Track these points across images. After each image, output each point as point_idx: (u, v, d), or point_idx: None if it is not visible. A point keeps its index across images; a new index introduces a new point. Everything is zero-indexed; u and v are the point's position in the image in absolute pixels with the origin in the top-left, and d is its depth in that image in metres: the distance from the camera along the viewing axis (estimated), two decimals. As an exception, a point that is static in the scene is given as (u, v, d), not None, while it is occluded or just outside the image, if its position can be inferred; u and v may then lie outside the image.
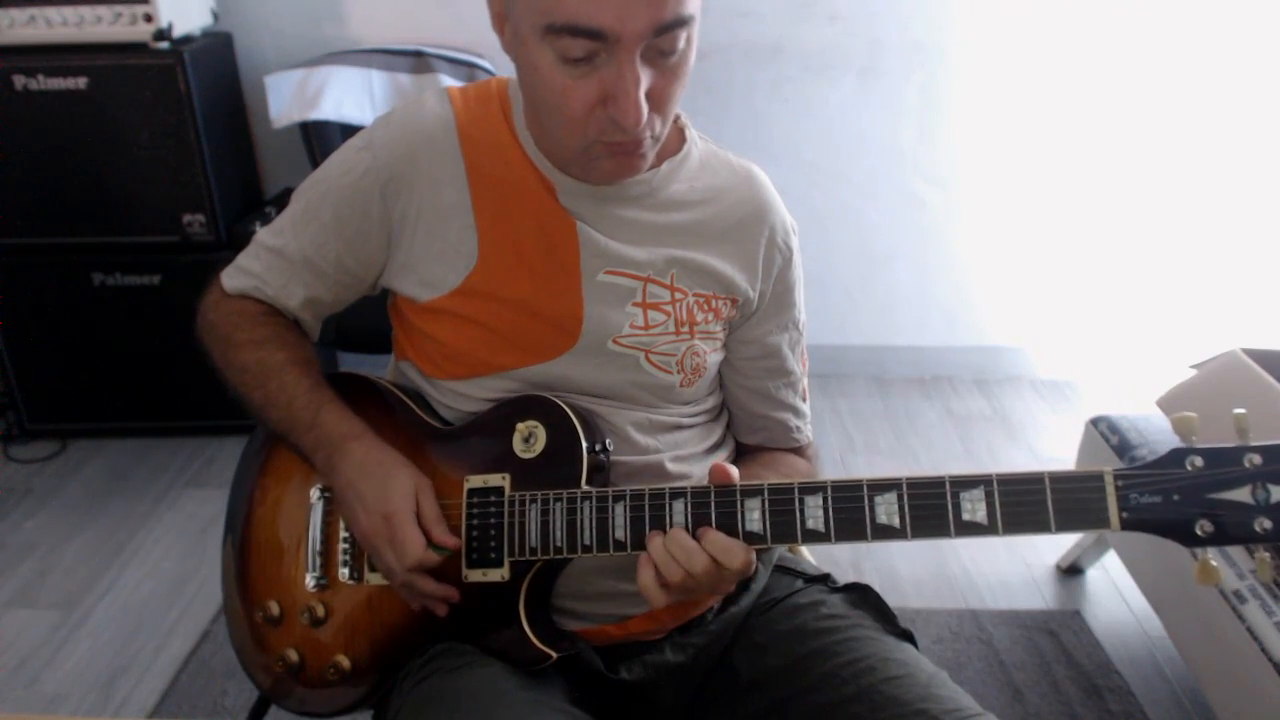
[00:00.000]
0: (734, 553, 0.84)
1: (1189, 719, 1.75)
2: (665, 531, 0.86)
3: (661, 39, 0.80)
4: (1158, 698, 1.79)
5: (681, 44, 0.82)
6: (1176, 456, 0.75)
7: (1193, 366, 1.71)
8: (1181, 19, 2.55)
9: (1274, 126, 2.64)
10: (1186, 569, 1.59)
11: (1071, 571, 2.13)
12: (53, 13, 2.23)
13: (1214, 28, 2.55)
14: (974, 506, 0.78)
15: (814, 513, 0.83)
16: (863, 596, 1.04)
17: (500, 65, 2.47)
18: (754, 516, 0.84)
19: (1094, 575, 2.13)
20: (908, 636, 1.00)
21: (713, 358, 1.02)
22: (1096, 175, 2.74)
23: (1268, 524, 0.72)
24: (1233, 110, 2.63)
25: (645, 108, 0.81)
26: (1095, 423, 1.92)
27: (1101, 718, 1.74)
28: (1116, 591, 2.07)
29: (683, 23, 0.80)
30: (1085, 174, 2.74)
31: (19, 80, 2.24)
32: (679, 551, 0.84)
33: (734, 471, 0.87)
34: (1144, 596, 1.80)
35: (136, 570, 2.12)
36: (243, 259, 1.06)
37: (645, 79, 0.81)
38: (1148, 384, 1.93)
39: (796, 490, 0.83)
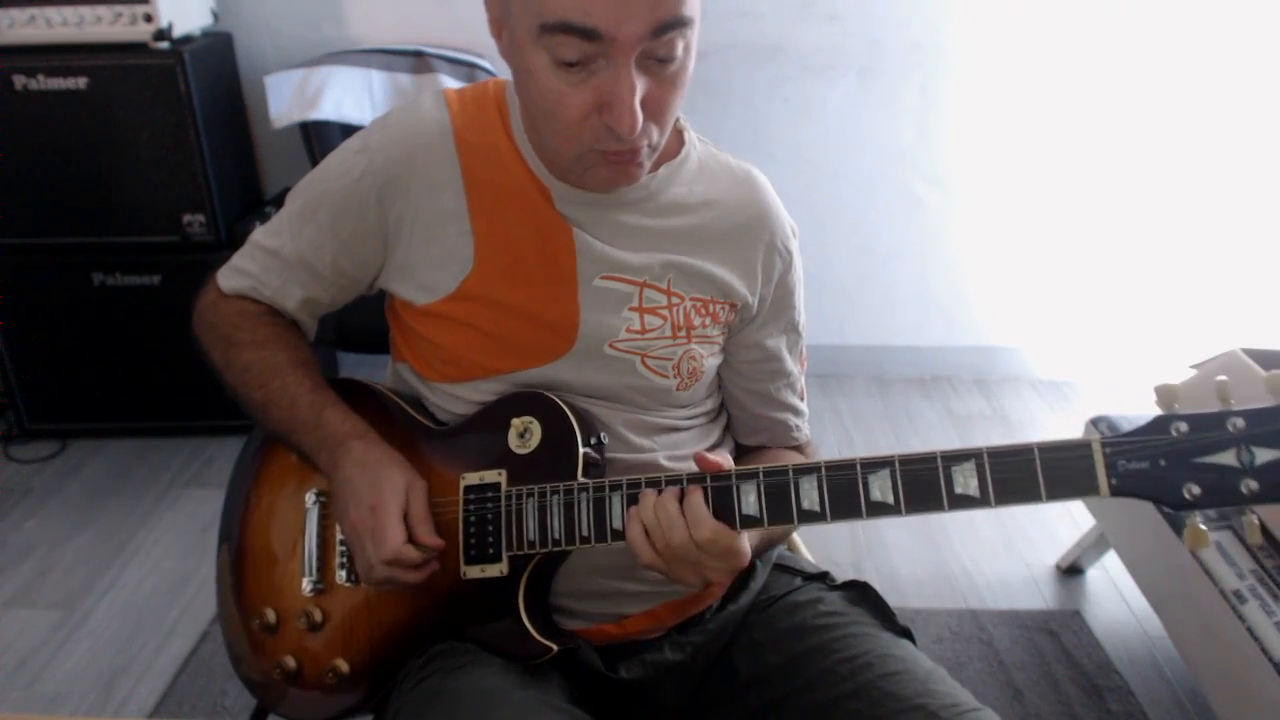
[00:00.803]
0: (702, 523, 0.84)
1: (1189, 719, 1.75)
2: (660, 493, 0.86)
3: (658, 44, 0.78)
4: (1158, 698, 1.79)
5: (679, 51, 0.80)
6: (1161, 423, 0.76)
7: (1193, 366, 1.71)
8: (1181, 19, 2.55)
9: (1274, 127, 2.64)
10: (1187, 568, 1.59)
11: (1071, 571, 2.13)
12: (53, 13, 2.23)
13: (1214, 28, 2.55)
14: (965, 479, 0.79)
15: (809, 493, 0.83)
16: (861, 594, 1.04)
17: (500, 66, 2.47)
18: (750, 499, 0.84)
19: (1094, 575, 2.12)
20: (905, 633, 1.00)
21: (710, 362, 1.02)
22: (1096, 175, 2.74)
23: (1254, 485, 0.73)
24: (1232, 110, 2.63)
25: (640, 115, 0.80)
26: (1095, 423, 1.92)
27: (1101, 718, 1.74)
28: (1116, 591, 2.07)
29: (681, 24, 0.78)
30: (1084, 174, 2.74)
31: (19, 80, 2.25)
32: (663, 516, 0.84)
33: (722, 460, 0.86)
34: (1144, 596, 1.80)
35: (136, 570, 2.12)
36: (238, 259, 1.06)
37: (641, 87, 0.80)
38: (1148, 384, 1.92)
39: (791, 472, 0.84)
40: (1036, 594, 2.07)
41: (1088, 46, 2.59)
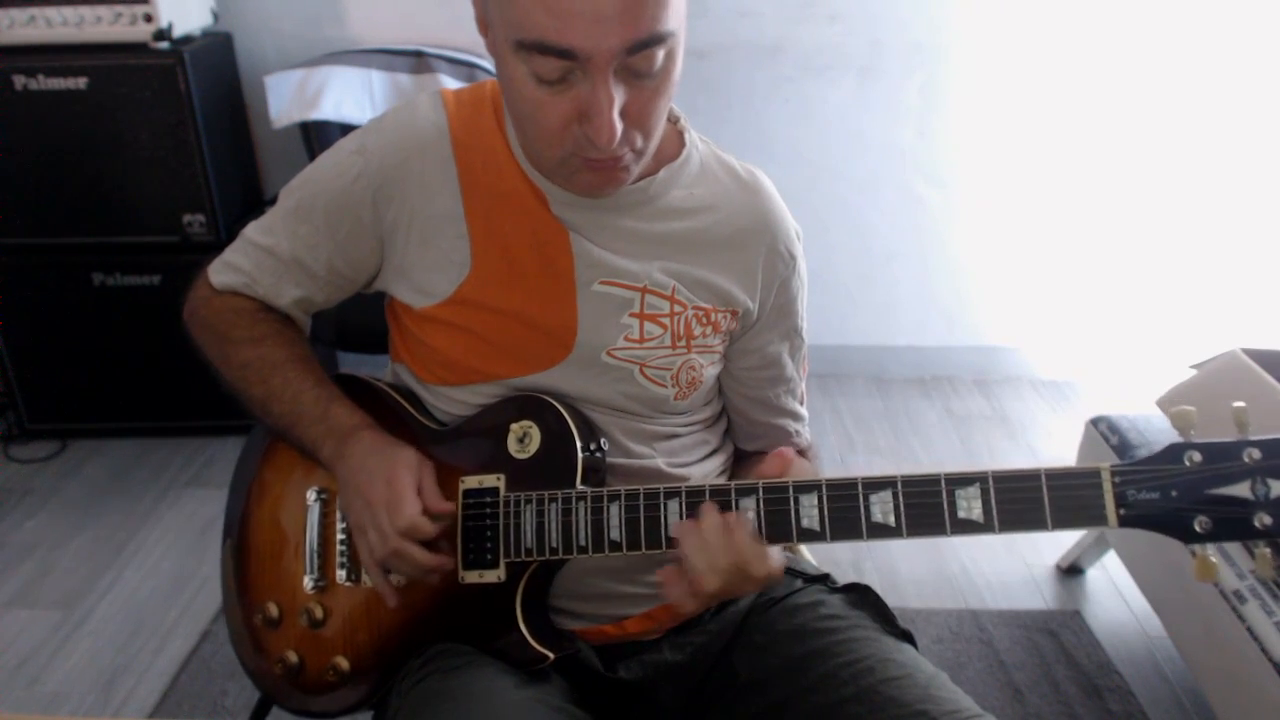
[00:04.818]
0: (762, 557, 0.83)
1: (1189, 719, 1.75)
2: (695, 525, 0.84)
3: (637, 58, 0.77)
4: (1158, 698, 1.79)
5: (659, 62, 0.79)
6: (1174, 452, 0.73)
7: (1193, 366, 1.71)
8: (1181, 19, 2.55)
9: (1274, 127, 2.64)
10: (1186, 568, 1.59)
11: (1071, 571, 2.13)
12: (53, 13, 2.23)
13: (1214, 27, 2.55)
14: (970, 504, 0.78)
15: (809, 512, 0.82)
16: (862, 597, 1.04)
17: (500, 65, 2.46)
18: (749, 516, 0.84)
19: (1094, 575, 2.12)
20: (907, 637, 1.00)
21: (709, 371, 1.01)
22: (1096, 175, 2.74)
23: (1268, 519, 0.71)
24: (1232, 110, 2.63)
25: (620, 126, 0.80)
26: (1095, 423, 1.92)
27: (1101, 718, 1.73)
28: (1116, 591, 2.07)
29: (659, 40, 0.77)
30: (1085, 174, 2.74)
31: (19, 80, 2.24)
32: (713, 538, 0.82)
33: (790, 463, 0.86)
34: (1144, 596, 1.80)
35: (136, 570, 2.12)
36: (231, 255, 1.04)
37: (621, 97, 0.79)
38: (1148, 384, 1.93)
39: (791, 489, 0.83)
40: (1036, 594, 2.06)
41: (1089, 47, 2.59)
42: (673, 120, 1.00)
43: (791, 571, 1.09)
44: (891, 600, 1.04)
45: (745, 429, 1.10)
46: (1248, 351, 1.59)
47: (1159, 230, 2.78)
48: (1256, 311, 2.80)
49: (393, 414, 1.02)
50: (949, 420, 2.77)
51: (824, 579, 1.08)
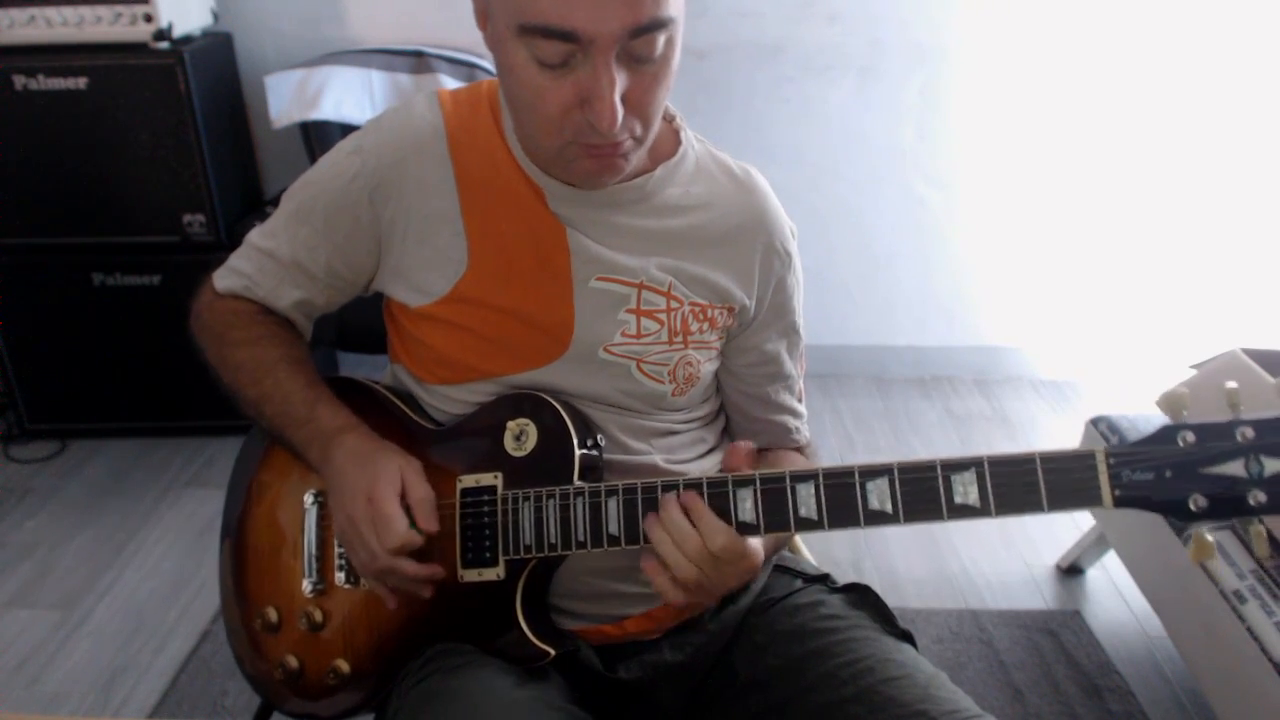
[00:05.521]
0: (716, 532, 0.83)
1: (1189, 719, 1.75)
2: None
3: (638, 42, 0.78)
4: (1158, 698, 1.79)
5: (660, 48, 0.80)
6: (1168, 433, 0.74)
7: (1193, 366, 1.71)
8: (1181, 20, 2.55)
9: (1274, 127, 2.64)
10: (1186, 567, 1.59)
11: (1071, 571, 2.13)
12: (53, 13, 2.23)
13: (1214, 28, 2.55)
14: (966, 489, 0.78)
15: (806, 500, 0.82)
16: (862, 597, 1.04)
17: (500, 65, 2.46)
18: (746, 506, 0.84)
19: (1094, 575, 2.12)
20: (907, 637, 1.00)
21: (707, 367, 1.02)
22: (1097, 175, 2.74)
23: (1262, 497, 0.71)
24: (1232, 111, 2.63)
25: (621, 111, 0.80)
26: (1095, 423, 1.92)
27: (1101, 718, 1.73)
28: (1116, 591, 2.07)
29: (660, 25, 0.78)
30: (1085, 174, 2.74)
31: (19, 80, 2.25)
32: (675, 530, 0.84)
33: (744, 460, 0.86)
34: (1144, 596, 1.80)
35: (136, 570, 2.12)
36: (234, 260, 1.06)
37: (622, 82, 0.80)
38: (1148, 384, 1.93)
39: (788, 479, 0.83)
40: (1036, 594, 2.06)
41: (1089, 47, 2.59)
42: (668, 119, 1.01)
43: (791, 571, 1.09)
44: (891, 600, 1.04)
45: (744, 426, 1.10)
46: (1248, 351, 1.59)
47: (1159, 231, 2.78)
48: (1256, 311, 2.80)
49: (389, 416, 1.02)
50: (949, 420, 2.77)
51: (824, 579, 1.08)
